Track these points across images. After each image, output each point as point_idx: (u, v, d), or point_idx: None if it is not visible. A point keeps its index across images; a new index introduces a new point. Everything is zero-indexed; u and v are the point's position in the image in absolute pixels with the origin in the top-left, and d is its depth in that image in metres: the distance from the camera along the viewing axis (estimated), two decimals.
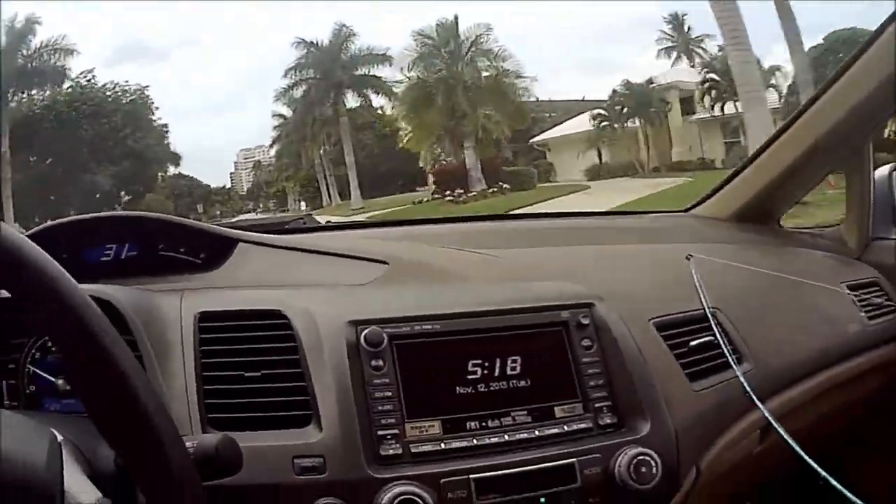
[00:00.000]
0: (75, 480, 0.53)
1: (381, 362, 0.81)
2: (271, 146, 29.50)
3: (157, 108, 24.86)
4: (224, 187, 34.55)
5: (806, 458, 0.87)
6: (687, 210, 1.50)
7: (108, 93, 23.44)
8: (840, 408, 1.17)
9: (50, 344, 0.93)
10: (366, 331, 0.82)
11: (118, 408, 0.50)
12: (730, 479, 0.99)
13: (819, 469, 0.85)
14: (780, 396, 1.01)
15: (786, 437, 0.90)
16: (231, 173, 39.95)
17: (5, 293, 0.52)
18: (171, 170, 28.04)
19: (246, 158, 39.51)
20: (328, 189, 27.17)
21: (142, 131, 23.48)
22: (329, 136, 26.48)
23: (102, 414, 0.52)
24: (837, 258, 1.37)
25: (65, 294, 0.51)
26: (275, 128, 29.10)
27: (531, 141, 23.61)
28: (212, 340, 0.83)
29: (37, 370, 0.93)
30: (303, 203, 25.44)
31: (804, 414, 1.05)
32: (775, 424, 0.91)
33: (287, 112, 27.22)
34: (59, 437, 0.55)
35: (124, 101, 23.59)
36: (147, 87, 24.48)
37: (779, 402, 1.00)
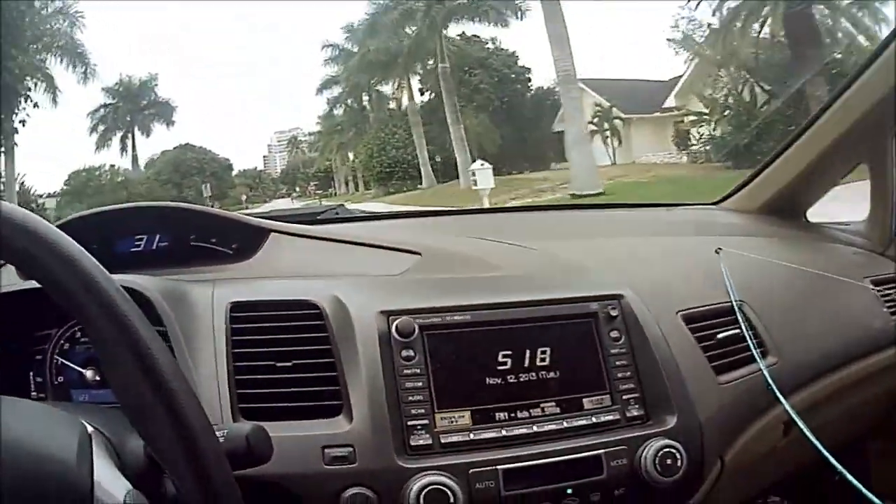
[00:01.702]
0: (105, 473, 0.52)
1: (411, 352, 0.82)
2: (318, 92, 20.83)
3: None
4: (255, 168, 30.20)
5: (824, 452, 0.87)
6: (716, 203, 1.50)
7: None
8: (863, 403, 1.18)
9: (79, 334, 0.94)
10: (397, 321, 0.83)
11: (150, 397, 0.50)
12: (753, 472, 1.01)
13: (836, 464, 0.86)
14: (803, 391, 1.02)
15: (805, 431, 0.90)
16: (264, 156, 34.37)
17: (35, 283, 0.51)
18: (168, 134, 20.73)
19: (280, 141, 33.68)
20: (420, 164, 17.50)
21: None
22: (427, 68, 16.06)
23: (134, 404, 0.52)
24: (862, 253, 1.36)
25: (97, 284, 0.50)
26: (326, 61, 19.29)
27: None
28: (243, 331, 0.84)
29: (65, 361, 0.93)
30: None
31: (827, 409, 1.06)
32: (796, 418, 0.92)
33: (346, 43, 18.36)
34: (90, 429, 0.54)
35: None
36: None
37: (802, 396, 1.01)
